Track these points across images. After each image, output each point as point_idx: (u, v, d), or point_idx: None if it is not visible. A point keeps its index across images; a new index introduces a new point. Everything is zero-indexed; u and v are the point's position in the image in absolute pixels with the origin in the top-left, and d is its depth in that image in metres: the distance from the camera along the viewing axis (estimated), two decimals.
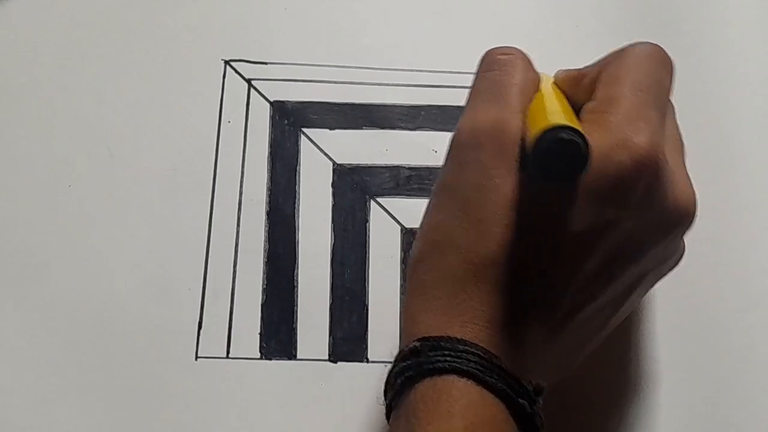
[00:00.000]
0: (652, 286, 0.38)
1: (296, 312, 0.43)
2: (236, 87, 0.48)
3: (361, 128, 0.47)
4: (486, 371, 0.32)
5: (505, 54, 0.38)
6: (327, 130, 0.47)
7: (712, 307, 0.43)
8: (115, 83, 0.48)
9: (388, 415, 0.35)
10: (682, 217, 0.35)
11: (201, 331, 0.43)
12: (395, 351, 0.35)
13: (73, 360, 0.42)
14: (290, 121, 0.47)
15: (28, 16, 0.49)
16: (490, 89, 0.36)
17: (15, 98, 0.47)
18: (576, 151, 0.31)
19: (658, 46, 0.37)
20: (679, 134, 0.38)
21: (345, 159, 0.46)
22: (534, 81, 0.37)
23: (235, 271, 0.44)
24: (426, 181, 0.46)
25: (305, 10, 0.50)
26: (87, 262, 0.44)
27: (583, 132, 0.31)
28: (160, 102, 0.47)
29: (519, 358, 0.33)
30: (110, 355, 0.42)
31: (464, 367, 0.32)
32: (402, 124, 0.47)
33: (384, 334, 0.42)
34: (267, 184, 0.46)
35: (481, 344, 0.33)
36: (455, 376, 0.32)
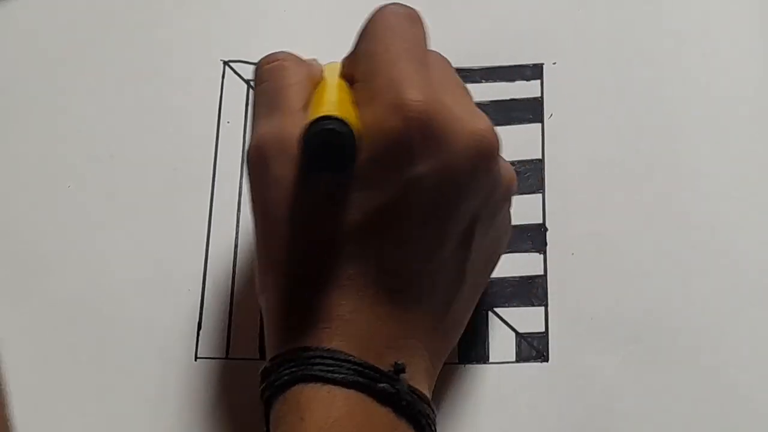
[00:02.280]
0: (498, 215, 0.38)
1: None
2: (235, 88, 0.48)
3: None
4: (333, 369, 0.33)
5: (271, 61, 0.38)
6: None
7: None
8: (115, 83, 0.48)
9: None
10: (480, 146, 0.35)
11: (200, 332, 0.43)
12: None
13: (73, 360, 0.42)
14: None
15: (28, 16, 0.49)
16: (265, 100, 0.37)
17: (15, 98, 0.47)
18: (339, 139, 0.32)
19: (397, 3, 0.37)
20: (457, 78, 0.38)
21: None
22: (309, 76, 0.37)
23: (234, 271, 0.44)
24: None
25: (304, 12, 0.50)
26: (87, 262, 0.44)
27: (349, 114, 0.33)
28: (159, 102, 0.47)
29: (370, 345, 0.34)
30: (110, 355, 0.42)
31: (309, 373, 0.33)
32: None
33: None
34: None
35: (323, 345, 0.33)
36: (302, 384, 0.33)
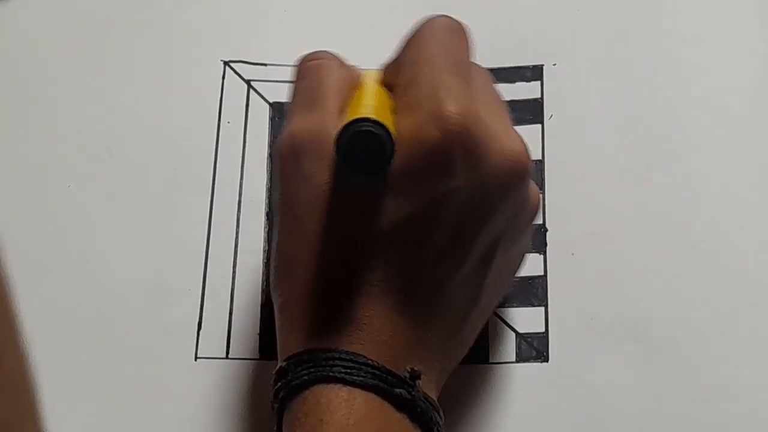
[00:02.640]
0: (518, 241, 0.38)
1: None
2: (236, 88, 0.48)
3: None
4: (352, 371, 0.33)
5: (314, 59, 0.38)
6: None
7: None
8: (115, 83, 0.48)
9: None
10: (513, 169, 0.35)
11: (200, 332, 0.43)
12: None
13: (73, 360, 0.42)
14: None
15: (28, 16, 0.49)
16: (304, 97, 0.37)
17: (15, 98, 0.47)
18: (376, 141, 0.32)
19: (447, 16, 0.37)
20: (497, 94, 0.38)
21: None
22: (349, 79, 0.37)
23: (234, 272, 0.44)
24: None
25: (304, 12, 0.50)
26: (87, 262, 0.44)
27: (387, 120, 0.32)
28: (159, 102, 0.47)
29: (388, 350, 0.34)
30: (110, 355, 0.42)
31: (328, 374, 0.33)
32: None
33: None
34: (266, 184, 0.46)
35: (342, 347, 0.33)
36: (322, 384, 0.33)
